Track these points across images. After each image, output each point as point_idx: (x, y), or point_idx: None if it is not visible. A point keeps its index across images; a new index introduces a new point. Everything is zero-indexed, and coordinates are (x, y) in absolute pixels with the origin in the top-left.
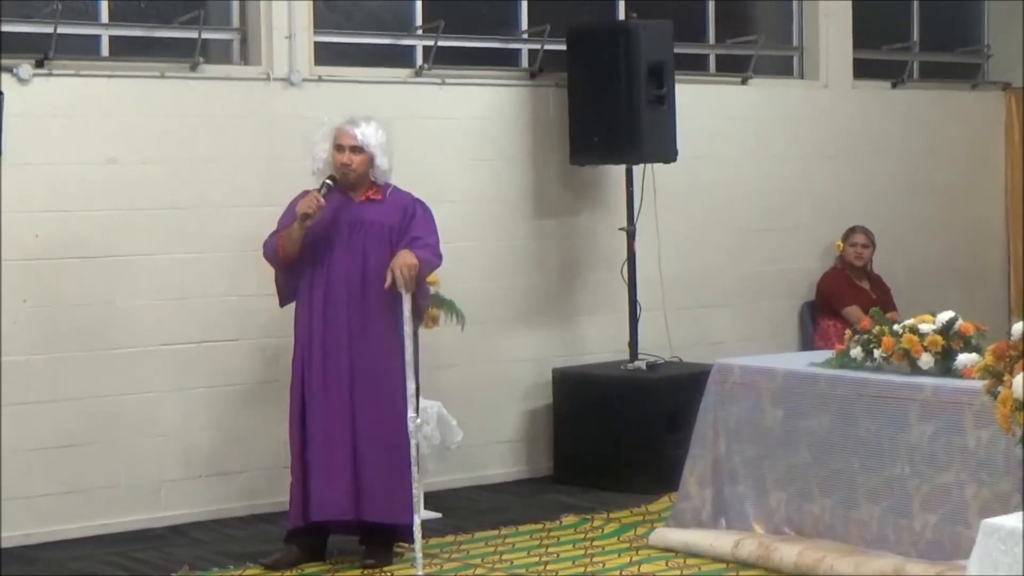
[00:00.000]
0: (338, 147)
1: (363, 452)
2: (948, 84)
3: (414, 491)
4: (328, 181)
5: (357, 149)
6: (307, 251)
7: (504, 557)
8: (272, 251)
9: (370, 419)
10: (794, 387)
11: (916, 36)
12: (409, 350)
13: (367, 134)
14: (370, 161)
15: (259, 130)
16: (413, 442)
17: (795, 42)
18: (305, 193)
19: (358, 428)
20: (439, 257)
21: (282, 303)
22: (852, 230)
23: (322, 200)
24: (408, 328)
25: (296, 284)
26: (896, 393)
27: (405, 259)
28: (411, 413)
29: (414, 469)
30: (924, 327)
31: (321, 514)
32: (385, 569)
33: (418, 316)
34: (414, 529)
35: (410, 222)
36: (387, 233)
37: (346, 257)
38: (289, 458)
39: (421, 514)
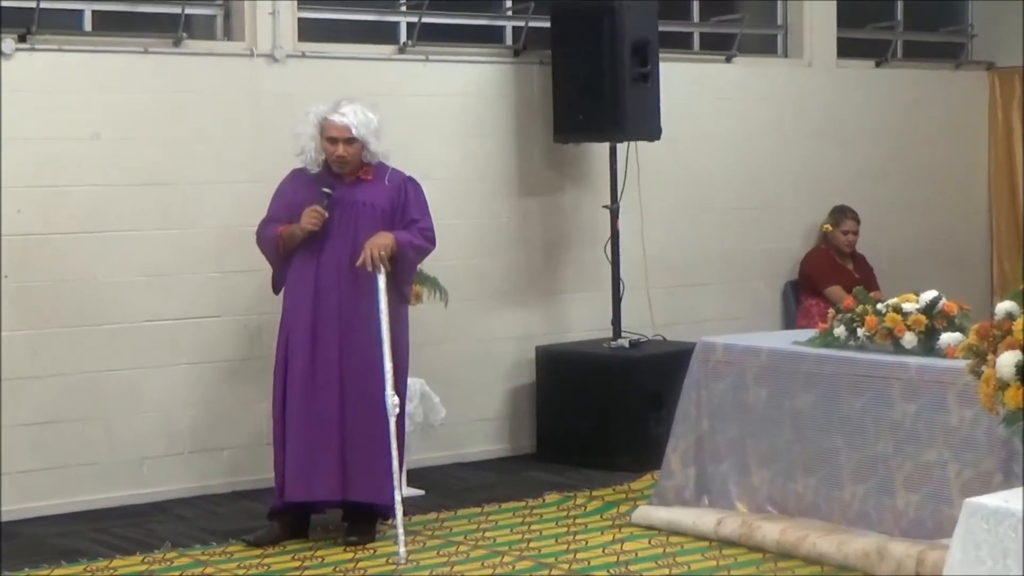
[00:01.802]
0: (330, 139)
1: (349, 432)
2: (932, 63)
3: (394, 468)
4: (327, 190)
5: (350, 140)
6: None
7: (487, 534)
8: (271, 248)
9: (357, 399)
10: (778, 365)
11: (900, 15)
12: (385, 329)
13: (358, 124)
14: (363, 147)
15: (242, 106)
16: (391, 420)
17: (779, 21)
18: (295, 174)
19: (345, 408)
20: (432, 241)
21: (276, 291)
22: (843, 214)
23: (325, 213)
24: (383, 307)
25: (288, 270)
26: (880, 372)
27: (379, 239)
28: (388, 391)
29: (393, 446)
30: (908, 306)
31: (306, 495)
32: (368, 546)
33: (403, 298)
34: (396, 507)
35: (404, 203)
36: (378, 214)
37: (336, 238)
38: (271, 436)
39: (403, 491)
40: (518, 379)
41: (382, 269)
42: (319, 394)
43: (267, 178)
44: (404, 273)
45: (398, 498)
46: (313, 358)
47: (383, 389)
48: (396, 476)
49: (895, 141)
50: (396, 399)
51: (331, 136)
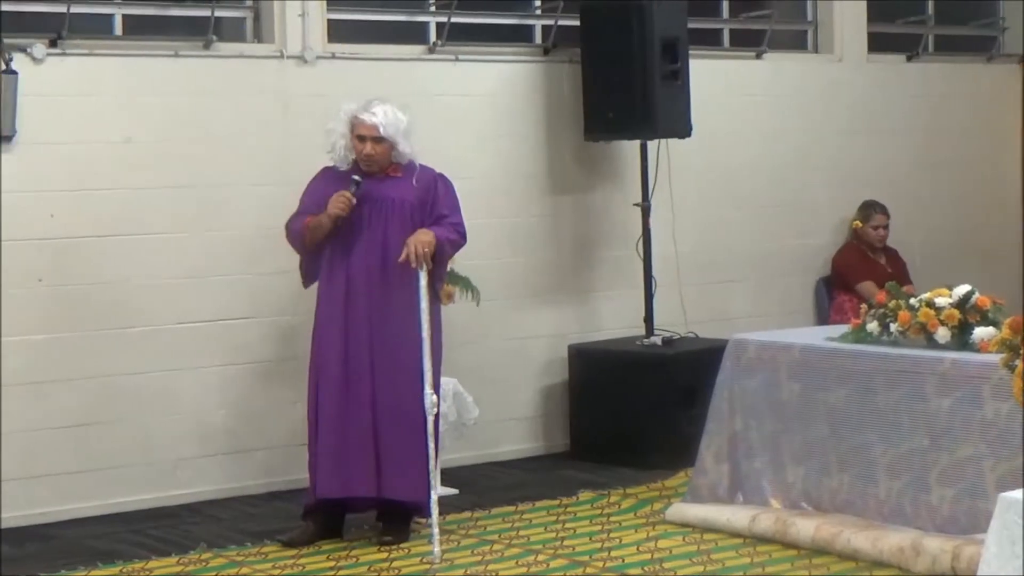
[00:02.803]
0: (359, 137)
1: (382, 430)
2: (963, 57)
3: (431, 467)
4: (356, 178)
5: (379, 140)
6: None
7: (521, 533)
8: (298, 239)
9: (389, 397)
10: (811, 361)
11: (931, 9)
12: (425, 327)
13: (387, 123)
14: (392, 147)
15: (273, 108)
16: (430, 418)
17: (809, 16)
18: (326, 171)
19: (377, 406)
20: (464, 237)
21: (306, 284)
22: (872, 209)
23: (353, 200)
24: (424, 304)
25: (319, 264)
26: (915, 367)
27: (422, 235)
28: (427, 390)
29: (431, 445)
30: (940, 301)
31: (341, 492)
32: (402, 545)
33: (435, 295)
34: (431, 505)
35: (434, 199)
36: (408, 210)
37: (366, 235)
38: (306, 436)
39: (438, 490)
40: (551, 378)
41: (424, 267)
42: (351, 391)
43: (298, 179)
44: (438, 269)
45: (434, 497)
46: (345, 355)
47: (415, 386)
48: (432, 475)
49: (927, 135)
50: (435, 397)
51: (360, 134)
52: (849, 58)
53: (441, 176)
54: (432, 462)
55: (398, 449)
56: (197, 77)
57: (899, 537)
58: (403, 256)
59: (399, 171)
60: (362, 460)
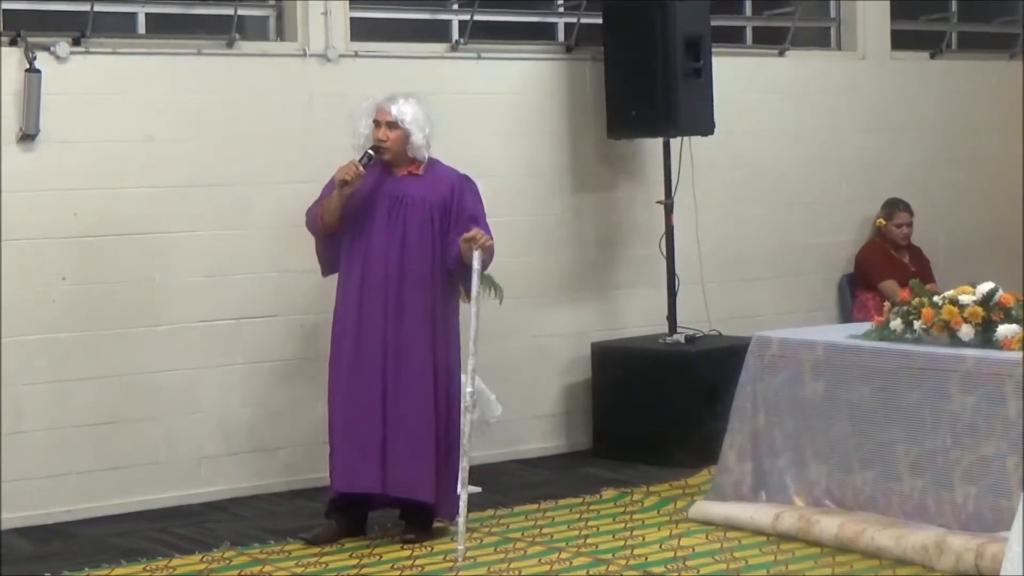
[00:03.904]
0: (375, 123)
1: (393, 427)
2: (986, 54)
3: (462, 464)
4: (370, 151)
5: (392, 125)
6: (347, 223)
7: (544, 531)
8: (313, 219)
9: (403, 394)
10: (835, 359)
11: (954, 6)
12: (474, 325)
13: (403, 111)
14: (405, 137)
15: (296, 106)
16: (467, 417)
17: (832, 13)
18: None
19: (389, 403)
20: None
21: (324, 273)
22: (895, 207)
23: (361, 168)
24: (474, 306)
25: (336, 254)
26: (938, 365)
27: (486, 239)
28: (468, 388)
29: (464, 443)
30: (964, 298)
31: (349, 486)
32: (425, 543)
33: (457, 293)
34: (458, 504)
35: (459, 200)
36: (428, 209)
37: (385, 232)
38: (328, 434)
39: (466, 488)
40: (574, 375)
41: (478, 257)
42: (360, 387)
43: (321, 177)
44: (468, 273)
45: (464, 496)
46: (358, 352)
47: (427, 385)
48: (464, 473)
49: (950, 133)
50: (471, 394)
51: (376, 119)
52: (872, 55)
53: (465, 177)
54: (464, 461)
55: (406, 447)
56: (220, 76)
57: (923, 535)
58: (469, 235)
59: (420, 169)
60: (370, 456)
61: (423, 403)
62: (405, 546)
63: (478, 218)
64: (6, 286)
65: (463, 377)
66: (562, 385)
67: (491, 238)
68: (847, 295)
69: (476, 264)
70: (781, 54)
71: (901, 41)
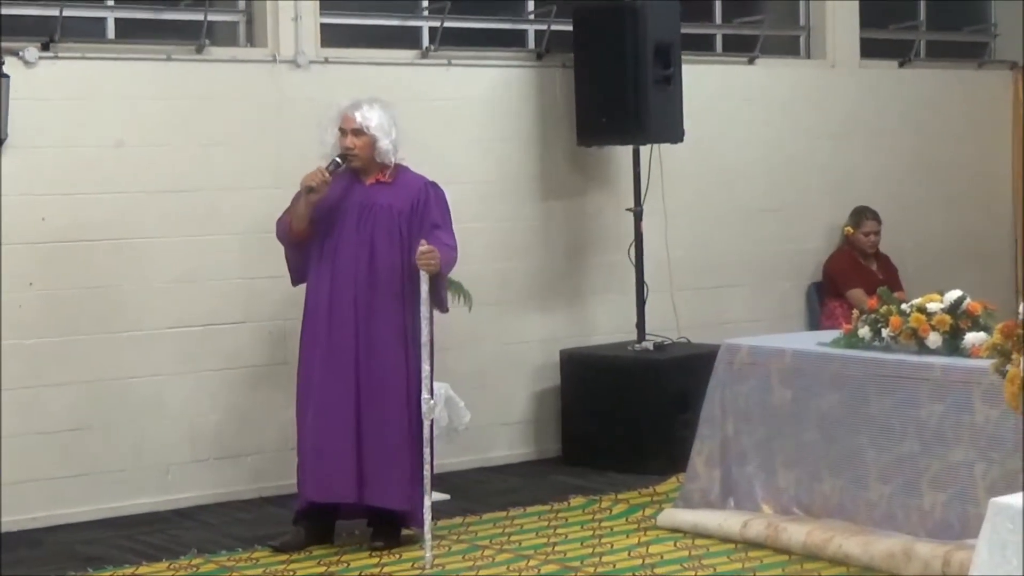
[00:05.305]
0: (341, 130)
1: (368, 435)
2: (955, 63)
3: (425, 473)
4: (337, 159)
5: (358, 132)
6: (317, 232)
7: (512, 538)
8: (283, 228)
9: (373, 403)
10: (803, 367)
11: (923, 15)
12: (426, 331)
13: (368, 116)
14: (372, 143)
15: (266, 112)
16: (427, 424)
17: (802, 22)
18: None
19: (363, 411)
20: (455, 250)
21: (294, 282)
22: (863, 216)
23: (327, 175)
24: (424, 310)
25: (306, 263)
26: (906, 372)
27: (429, 259)
28: (425, 395)
29: (426, 451)
30: (932, 306)
31: (322, 496)
32: (393, 551)
33: (441, 305)
34: (424, 511)
35: (424, 207)
36: (395, 216)
37: (354, 239)
38: (296, 441)
39: (431, 496)
40: (543, 382)
41: (425, 279)
42: (333, 396)
43: (291, 184)
44: (438, 287)
45: (427, 503)
46: (327, 360)
47: (400, 393)
48: (427, 480)
49: (919, 141)
50: (432, 403)
51: (341, 127)
52: (841, 64)
53: (432, 184)
54: (427, 468)
55: (381, 456)
56: (190, 81)
57: (890, 542)
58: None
59: (388, 176)
60: (345, 466)
61: (397, 411)
62: (373, 553)
63: (441, 226)
64: None
65: (434, 384)
66: (531, 392)
67: (455, 249)
68: (815, 303)
69: (424, 285)
70: (751, 62)
71: (870, 49)
